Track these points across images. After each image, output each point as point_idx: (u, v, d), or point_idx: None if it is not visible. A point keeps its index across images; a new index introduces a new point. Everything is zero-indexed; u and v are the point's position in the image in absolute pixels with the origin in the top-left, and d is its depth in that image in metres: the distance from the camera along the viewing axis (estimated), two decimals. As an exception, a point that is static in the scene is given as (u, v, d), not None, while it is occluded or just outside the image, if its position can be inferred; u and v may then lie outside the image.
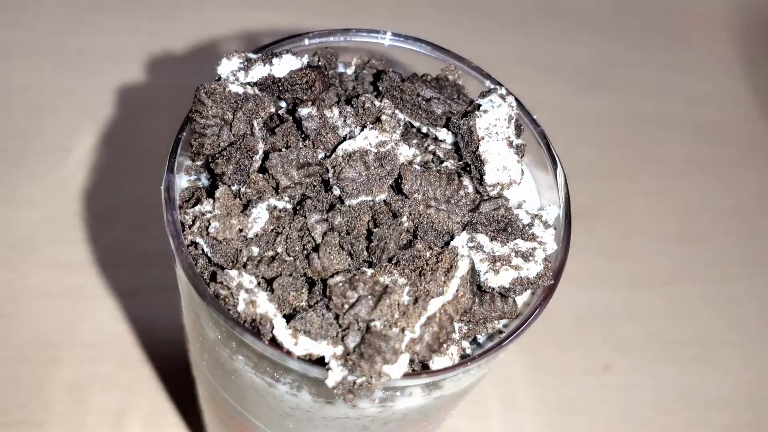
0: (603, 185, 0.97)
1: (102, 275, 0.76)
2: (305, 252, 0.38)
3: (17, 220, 0.78)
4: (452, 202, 0.40)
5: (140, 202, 0.81)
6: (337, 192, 0.40)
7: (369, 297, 0.35)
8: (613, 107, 1.07)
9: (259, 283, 0.37)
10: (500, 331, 0.40)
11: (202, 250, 0.38)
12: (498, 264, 0.38)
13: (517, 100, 0.44)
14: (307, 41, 0.46)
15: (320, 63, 0.45)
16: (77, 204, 0.80)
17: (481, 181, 0.41)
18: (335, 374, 0.33)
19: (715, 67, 1.18)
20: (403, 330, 0.34)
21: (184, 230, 0.38)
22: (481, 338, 0.41)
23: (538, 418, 0.76)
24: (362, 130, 0.40)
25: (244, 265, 0.37)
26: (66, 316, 0.73)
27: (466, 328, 0.39)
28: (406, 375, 0.34)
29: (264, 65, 0.42)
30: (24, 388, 0.68)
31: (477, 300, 0.38)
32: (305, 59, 0.43)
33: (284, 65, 0.41)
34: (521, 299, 0.41)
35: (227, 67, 0.42)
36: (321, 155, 0.41)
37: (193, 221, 0.37)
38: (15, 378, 0.68)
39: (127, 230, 0.79)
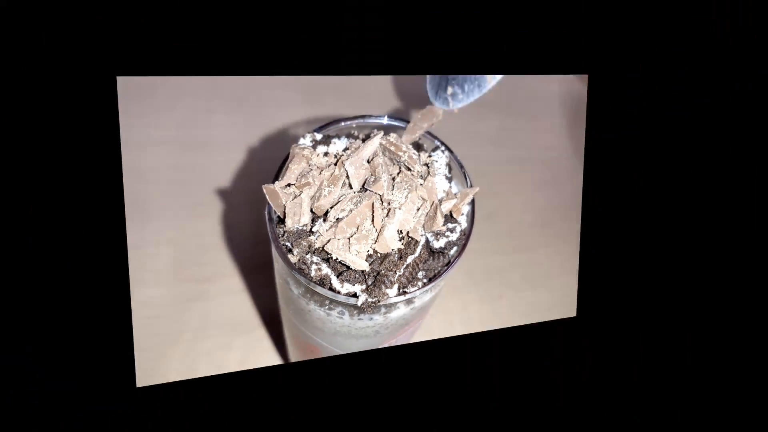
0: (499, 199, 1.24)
1: (216, 280, 0.95)
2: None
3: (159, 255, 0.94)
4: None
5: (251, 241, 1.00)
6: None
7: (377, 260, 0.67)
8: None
9: (321, 261, 0.65)
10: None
11: (289, 248, 0.64)
12: (438, 236, 0.69)
13: (450, 151, 0.74)
14: (342, 123, 0.72)
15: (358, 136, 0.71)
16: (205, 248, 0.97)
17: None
18: (362, 298, 0.61)
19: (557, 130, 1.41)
20: (394, 272, 0.65)
21: (278, 236, 0.65)
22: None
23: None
24: None
25: (314, 252, 0.64)
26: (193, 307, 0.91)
27: (424, 274, 0.65)
28: (397, 295, 0.63)
29: (325, 141, 0.68)
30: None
31: (432, 258, 0.69)
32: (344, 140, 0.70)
33: (337, 143, 0.69)
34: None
35: (304, 140, 0.68)
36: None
37: (283, 233, 0.70)
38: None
39: (239, 251, 0.97)
